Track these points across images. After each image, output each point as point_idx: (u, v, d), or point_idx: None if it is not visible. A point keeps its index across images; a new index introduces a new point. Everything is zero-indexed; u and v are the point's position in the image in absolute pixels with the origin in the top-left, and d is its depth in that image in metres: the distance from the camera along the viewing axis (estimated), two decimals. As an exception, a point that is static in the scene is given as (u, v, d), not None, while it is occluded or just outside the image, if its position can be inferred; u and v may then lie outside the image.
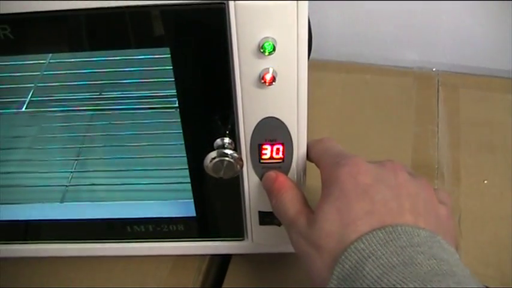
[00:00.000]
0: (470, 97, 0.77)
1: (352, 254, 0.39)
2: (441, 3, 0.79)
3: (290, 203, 0.47)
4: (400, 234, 0.40)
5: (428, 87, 0.79)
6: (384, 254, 0.39)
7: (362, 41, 0.85)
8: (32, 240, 0.58)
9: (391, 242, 0.39)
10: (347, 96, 0.78)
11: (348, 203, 0.42)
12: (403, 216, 0.41)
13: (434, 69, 0.82)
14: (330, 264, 0.41)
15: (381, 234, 0.40)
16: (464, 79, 0.80)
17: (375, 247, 0.39)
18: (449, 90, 0.78)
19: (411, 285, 0.36)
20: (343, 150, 0.47)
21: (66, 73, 0.61)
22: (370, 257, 0.39)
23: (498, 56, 0.81)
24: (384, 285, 0.37)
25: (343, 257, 0.40)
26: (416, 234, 0.40)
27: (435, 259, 0.39)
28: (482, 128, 0.73)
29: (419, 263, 0.38)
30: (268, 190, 0.49)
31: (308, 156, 0.49)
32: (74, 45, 0.43)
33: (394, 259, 0.38)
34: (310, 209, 0.46)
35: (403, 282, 0.37)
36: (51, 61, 0.60)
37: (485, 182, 0.67)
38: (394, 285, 0.37)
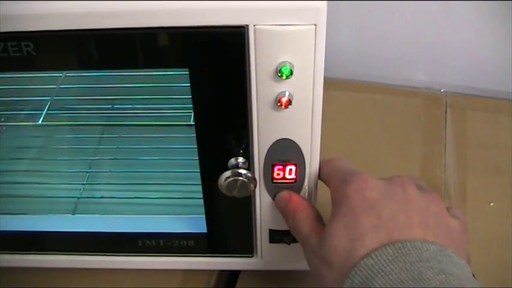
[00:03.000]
0: (478, 119, 0.78)
1: (362, 270, 0.40)
2: (450, 26, 0.80)
3: (304, 221, 0.47)
4: (409, 250, 0.40)
5: (437, 108, 0.79)
6: (393, 270, 0.39)
7: (371, 60, 0.86)
8: (43, 251, 0.58)
9: (400, 258, 0.40)
10: (355, 115, 0.79)
11: (355, 219, 0.43)
12: (412, 229, 0.42)
13: (442, 90, 0.82)
14: (339, 280, 0.41)
15: (390, 250, 0.40)
16: (473, 101, 0.81)
17: (384, 263, 0.40)
18: (457, 112, 0.79)
19: None
20: (351, 168, 0.48)
21: (82, 87, 0.62)
22: (379, 273, 0.39)
23: (506, 78, 0.82)
24: None
25: (352, 272, 0.40)
26: (425, 248, 0.40)
27: (444, 274, 0.39)
28: (489, 150, 0.73)
29: (428, 279, 0.38)
30: (283, 211, 0.49)
31: (318, 176, 0.50)
32: (95, 64, 0.44)
33: (403, 275, 0.39)
34: (323, 226, 0.46)
35: None
36: (67, 75, 0.61)
37: (492, 204, 0.67)
38: None
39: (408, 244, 0.40)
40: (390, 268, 0.39)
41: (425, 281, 0.38)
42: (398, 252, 0.40)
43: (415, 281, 0.38)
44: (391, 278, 0.39)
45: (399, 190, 0.44)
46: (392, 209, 0.43)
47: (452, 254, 0.41)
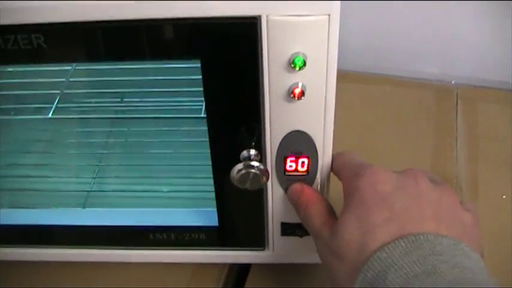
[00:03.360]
0: (489, 111, 0.78)
1: (375, 264, 0.40)
2: (461, 18, 0.80)
3: (317, 215, 0.47)
4: (422, 243, 0.40)
5: (447, 101, 0.79)
6: (406, 264, 0.39)
7: (382, 52, 0.85)
8: (53, 245, 0.58)
9: (413, 251, 0.39)
10: (366, 108, 0.79)
11: (367, 212, 0.42)
12: (424, 223, 0.41)
13: (453, 82, 0.82)
14: (351, 274, 0.41)
15: (403, 243, 0.40)
16: (483, 93, 0.81)
17: (397, 256, 0.39)
18: (468, 104, 0.79)
19: None
20: (363, 162, 0.47)
21: (91, 80, 0.62)
22: (392, 266, 0.39)
23: (517, 71, 0.82)
24: None
25: (365, 266, 0.40)
26: (439, 242, 0.40)
27: (458, 268, 0.38)
28: (500, 143, 0.73)
29: (442, 272, 0.38)
30: (296, 204, 0.49)
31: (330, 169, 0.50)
32: (106, 56, 0.44)
33: (417, 268, 0.38)
34: (335, 219, 0.46)
35: None
36: (76, 68, 0.61)
37: (504, 196, 0.67)
38: None
39: (421, 237, 0.40)
40: (403, 262, 0.39)
41: (439, 274, 0.38)
42: (411, 246, 0.40)
43: (429, 274, 0.38)
44: (405, 271, 0.38)
45: (412, 183, 0.44)
46: (405, 202, 0.42)
47: (466, 247, 0.41)
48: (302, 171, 0.49)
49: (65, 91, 0.61)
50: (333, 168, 0.49)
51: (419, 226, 0.41)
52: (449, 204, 0.44)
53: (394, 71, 0.84)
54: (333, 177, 0.50)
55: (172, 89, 0.60)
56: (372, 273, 0.39)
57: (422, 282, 0.37)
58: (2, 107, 0.64)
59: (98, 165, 0.64)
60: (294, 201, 0.49)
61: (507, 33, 0.80)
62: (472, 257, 0.40)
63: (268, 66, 0.42)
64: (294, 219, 0.51)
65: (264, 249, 0.56)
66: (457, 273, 0.38)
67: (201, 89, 0.44)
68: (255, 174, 0.47)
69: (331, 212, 0.48)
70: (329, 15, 0.40)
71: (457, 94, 0.80)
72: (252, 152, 0.47)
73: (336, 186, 0.49)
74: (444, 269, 0.38)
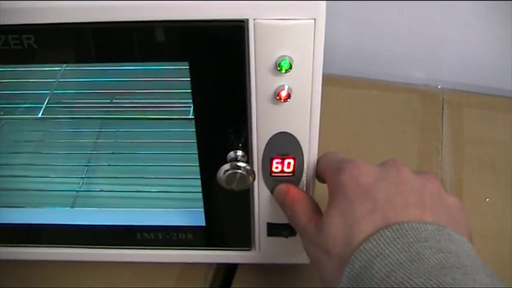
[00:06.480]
0: (474, 116, 0.78)
1: (361, 255, 0.40)
2: (447, 23, 0.81)
3: (302, 212, 0.48)
4: (407, 231, 0.40)
5: (433, 105, 0.80)
6: (391, 252, 0.39)
7: (369, 57, 0.86)
8: (41, 244, 0.59)
9: (398, 240, 0.40)
10: (353, 111, 0.79)
11: (350, 205, 0.43)
12: (408, 211, 0.41)
13: (439, 87, 0.83)
14: (339, 267, 0.41)
15: (388, 233, 0.40)
16: (469, 98, 0.82)
17: (382, 246, 0.40)
18: (453, 109, 0.79)
19: (417, 281, 0.37)
20: (345, 157, 0.48)
21: (81, 81, 0.62)
22: (378, 256, 0.39)
23: (502, 76, 0.83)
24: (392, 282, 0.37)
25: (352, 257, 0.40)
26: (423, 229, 0.40)
27: (442, 252, 0.39)
28: (485, 147, 0.74)
29: (426, 258, 0.38)
30: (282, 203, 0.50)
31: (316, 172, 0.50)
32: (97, 57, 0.45)
33: (402, 256, 0.39)
34: (321, 216, 0.46)
35: (409, 278, 0.37)
36: (66, 68, 0.61)
37: (487, 200, 0.68)
38: (401, 281, 0.37)
39: (406, 225, 0.40)
40: (389, 250, 0.39)
41: (423, 260, 0.38)
42: (396, 234, 0.40)
43: (413, 261, 0.38)
44: (390, 260, 0.39)
45: (393, 172, 0.44)
46: (388, 192, 0.43)
47: (451, 231, 0.41)
48: (288, 172, 0.49)
49: (55, 91, 0.61)
50: (318, 170, 0.50)
51: (403, 214, 0.41)
52: (432, 190, 0.44)
53: (381, 75, 0.85)
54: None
55: (161, 90, 0.61)
56: (359, 263, 0.40)
57: (406, 269, 0.38)
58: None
59: (86, 165, 0.65)
60: (280, 201, 0.50)
61: (493, 38, 0.81)
62: (457, 241, 0.40)
63: (255, 68, 0.43)
64: (279, 219, 0.52)
65: (250, 250, 0.57)
66: (441, 257, 0.38)
67: (189, 90, 0.45)
68: (241, 174, 0.48)
69: (316, 209, 0.48)
70: (315, 19, 0.41)
71: (443, 99, 0.81)
72: (239, 153, 0.48)
73: (322, 189, 0.49)
74: (428, 254, 0.38)
